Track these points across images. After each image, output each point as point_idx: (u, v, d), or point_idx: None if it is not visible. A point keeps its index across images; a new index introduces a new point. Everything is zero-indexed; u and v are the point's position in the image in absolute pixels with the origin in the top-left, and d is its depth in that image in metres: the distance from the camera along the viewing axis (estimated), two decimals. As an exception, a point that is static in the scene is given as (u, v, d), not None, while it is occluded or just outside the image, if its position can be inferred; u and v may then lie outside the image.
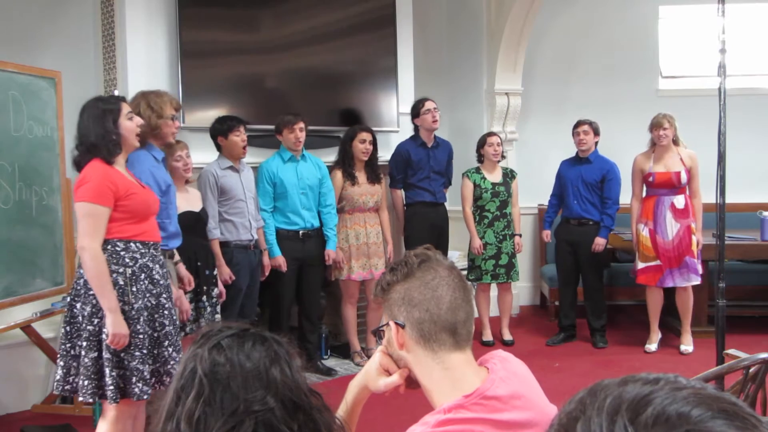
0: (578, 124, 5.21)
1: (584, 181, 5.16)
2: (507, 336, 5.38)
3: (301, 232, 4.56)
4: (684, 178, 4.83)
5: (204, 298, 3.76)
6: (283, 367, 1.17)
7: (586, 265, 5.22)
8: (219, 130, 4.15)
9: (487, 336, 5.34)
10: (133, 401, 2.81)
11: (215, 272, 3.93)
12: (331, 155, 4.99)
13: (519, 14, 5.74)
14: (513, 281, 5.38)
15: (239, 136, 4.14)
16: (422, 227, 5.07)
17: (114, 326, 2.70)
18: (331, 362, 4.92)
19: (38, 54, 4.23)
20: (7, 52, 3.87)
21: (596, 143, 5.21)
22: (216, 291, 3.86)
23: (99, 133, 2.82)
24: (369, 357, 4.89)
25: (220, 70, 4.57)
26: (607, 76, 6.49)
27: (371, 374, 1.47)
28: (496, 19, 5.99)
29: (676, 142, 4.92)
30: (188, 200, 3.85)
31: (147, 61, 4.30)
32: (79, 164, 2.86)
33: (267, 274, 4.40)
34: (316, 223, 4.64)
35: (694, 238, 4.85)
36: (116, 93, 4.19)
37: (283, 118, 4.49)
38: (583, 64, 6.54)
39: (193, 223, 3.82)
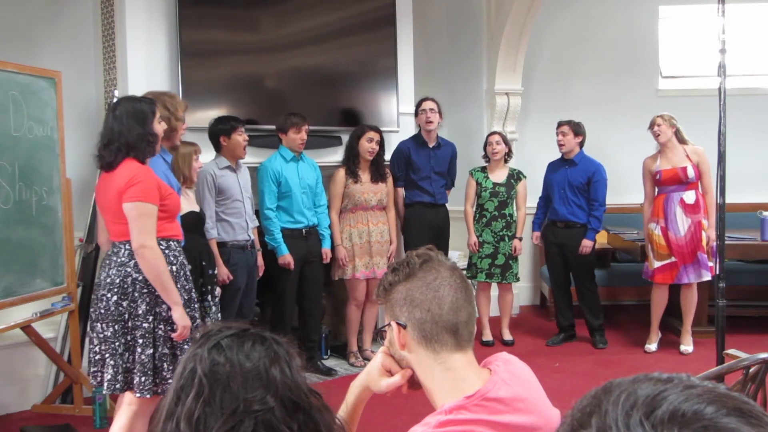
0: (558, 124, 5.23)
1: (570, 183, 5.15)
2: (507, 336, 5.38)
3: (304, 230, 4.58)
4: (691, 172, 4.81)
5: (209, 297, 3.77)
6: (283, 366, 1.17)
7: (575, 266, 5.22)
8: (222, 130, 4.16)
9: (487, 336, 5.34)
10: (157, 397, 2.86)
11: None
12: (331, 155, 5.00)
13: (519, 14, 5.74)
14: (508, 282, 5.36)
15: (242, 136, 4.16)
16: (421, 228, 5.07)
17: (182, 319, 2.82)
18: (331, 362, 4.92)
19: (38, 54, 4.23)
20: (7, 52, 3.87)
21: (581, 144, 5.19)
22: (218, 291, 3.87)
23: (139, 133, 2.86)
24: (364, 357, 4.94)
25: (220, 70, 4.57)
26: (607, 76, 6.49)
27: (373, 375, 1.47)
28: (496, 19, 5.99)
29: (682, 140, 4.90)
30: (190, 201, 3.86)
31: (147, 61, 4.30)
32: (111, 164, 2.86)
33: (261, 274, 4.41)
34: (315, 221, 4.66)
35: (704, 234, 4.85)
36: (116, 93, 4.20)
37: (290, 118, 4.50)
38: (583, 64, 6.54)
39: (197, 223, 3.84)
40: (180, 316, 2.82)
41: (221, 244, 4.10)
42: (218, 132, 4.17)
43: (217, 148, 4.20)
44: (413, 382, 1.41)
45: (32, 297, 3.72)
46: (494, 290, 5.52)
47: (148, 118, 2.90)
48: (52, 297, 3.89)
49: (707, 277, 4.86)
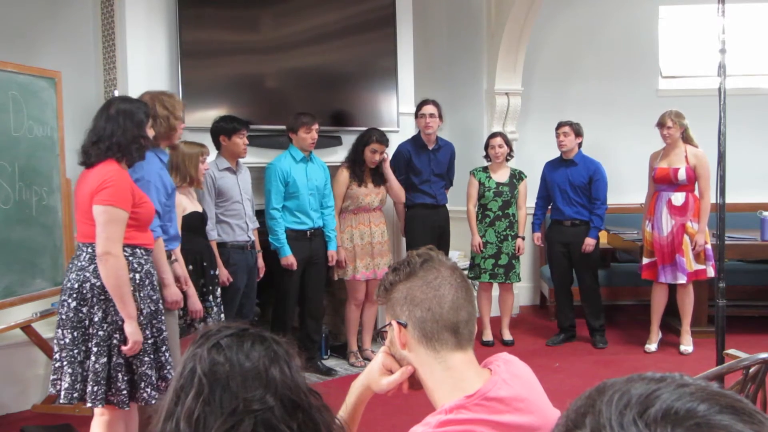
0: (558, 125, 5.23)
1: (572, 183, 5.17)
2: (507, 336, 5.38)
3: (308, 231, 4.57)
4: (682, 175, 4.81)
5: (210, 298, 3.77)
6: (283, 366, 1.17)
7: (580, 265, 5.22)
8: (224, 129, 4.15)
9: (488, 336, 5.34)
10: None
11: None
12: (330, 155, 5.00)
13: (519, 14, 5.74)
14: (511, 282, 5.37)
15: (242, 140, 4.15)
16: (422, 229, 5.07)
17: (134, 334, 2.70)
18: (331, 362, 4.92)
19: (38, 54, 4.23)
20: (7, 52, 3.87)
21: (579, 144, 5.22)
22: (219, 291, 3.87)
23: (134, 135, 2.79)
24: (364, 357, 4.93)
25: (220, 70, 4.57)
26: (607, 76, 6.49)
27: (373, 374, 1.47)
28: (496, 19, 5.99)
29: (687, 140, 4.90)
30: (193, 201, 3.86)
31: (147, 61, 4.30)
32: (92, 163, 2.77)
33: (262, 275, 4.41)
34: (321, 223, 4.66)
35: (686, 238, 4.84)
36: (116, 93, 4.20)
37: (300, 117, 4.49)
38: (583, 65, 6.54)
39: (199, 224, 3.84)
40: (132, 331, 2.69)
41: (221, 245, 4.10)
42: (219, 130, 4.16)
43: (217, 146, 4.20)
44: (414, 382, 1.40)
45: (32, 297, 3.72)
46: (495, 290, 5.53)
47: (143, 120, 2.84)
48: (52, 297, 3.89)
49: (682, 280, 4.86)
